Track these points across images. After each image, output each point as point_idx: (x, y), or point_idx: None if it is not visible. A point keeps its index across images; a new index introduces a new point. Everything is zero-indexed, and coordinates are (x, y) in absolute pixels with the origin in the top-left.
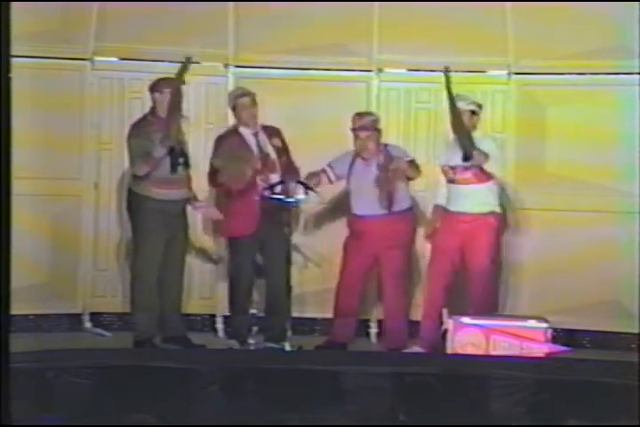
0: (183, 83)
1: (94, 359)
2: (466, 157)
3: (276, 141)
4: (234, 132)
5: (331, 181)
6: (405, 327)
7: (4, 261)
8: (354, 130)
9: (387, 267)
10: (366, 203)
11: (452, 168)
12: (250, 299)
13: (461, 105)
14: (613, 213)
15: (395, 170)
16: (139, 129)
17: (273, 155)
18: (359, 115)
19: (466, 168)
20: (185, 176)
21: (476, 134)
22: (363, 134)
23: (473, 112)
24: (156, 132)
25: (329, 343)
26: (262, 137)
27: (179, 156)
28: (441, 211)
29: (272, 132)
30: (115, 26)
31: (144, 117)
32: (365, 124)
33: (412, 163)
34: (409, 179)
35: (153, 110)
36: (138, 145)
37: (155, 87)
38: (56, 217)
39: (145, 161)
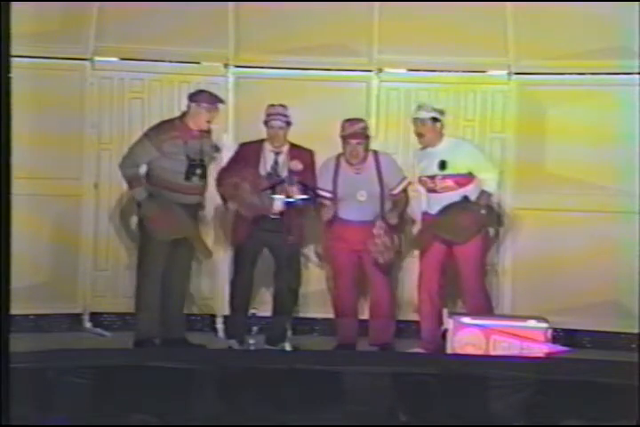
0: (223, 102)
1: (94, 359)
2: (442, 165)
3: (296, 165)
4: (258, 144)
5: (328, 198)
6: (392, 325)
7: (4, 261)
8: (344, 137)
9: (373, 266)
10: (354, 208)
11: (431, 178)
12: (249, 299)
13: (422, 114)
14: (613, 213)
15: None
16: (158, 132)
17: (282, 176)
18: (349, 121)
19: (445, 176)
20: (199, 184)
21: (449, 141)
22: (354, 141)
23: (435, 119)
24: (175, 140)
25: (338, 347)
26: (283, 157)
27: (197, 167)
28: (424, 216)
29: (298, 154)
30: (115, 26)
31: (172, 121)
32: (356, 131)
33: (400, 200)
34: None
35: (182, 117)
36: (143, 148)
37: (198, 98)
38: (56, 217)
39: (133, 165)
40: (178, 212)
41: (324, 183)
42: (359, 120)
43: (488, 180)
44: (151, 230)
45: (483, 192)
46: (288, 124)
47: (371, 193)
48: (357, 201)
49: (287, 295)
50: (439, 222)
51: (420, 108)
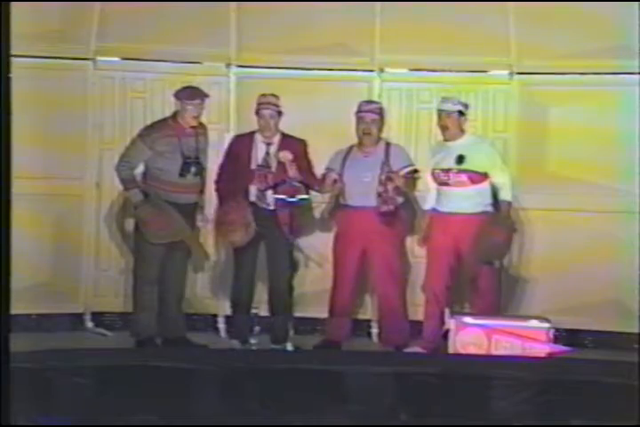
0: (207, 96)
1: (95, 359)
2: (460, 160)
3: (285, 155)
4: (250, 135)
5: (337, 181)
6: (405, 324)
7: (5, 261)
8: (359, 113)
9: (378, 261)
10: (361, 194)
11: (445, 171)
12: (251, 299)
13: (449, 106)
14: (613, 213)
15: (388, 180)
16: (151, 131)
17: (274, 168)
18: (366, 101)
19: (460, 171)
20: (195, 182)
21: (470, 138)
22: (369, 117)
23: (460, 113)
24: (168, 138)
25: (324, 343)
26: (274, 148)
27: (191, 164)
28: (432, 214)
29: (289, 144)
30: (117, 25)
31: (165, 120)
32: (372, 109)
33: (409, 178)
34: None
35: (174, 116)
36: (136, 149)
37: (181, 95)
38: (58, 217)
39: (128, 167)
40: (173, 214)
41: (331, 165)
42: (376, 101)
43: (502, 184)
44: (146, 233)
45: (502, 202)
46: (279, 113)
47: (375, 175)
48: (362, 182)
49: (283, 293)
50: (475, 243)
51: (446, 100)
